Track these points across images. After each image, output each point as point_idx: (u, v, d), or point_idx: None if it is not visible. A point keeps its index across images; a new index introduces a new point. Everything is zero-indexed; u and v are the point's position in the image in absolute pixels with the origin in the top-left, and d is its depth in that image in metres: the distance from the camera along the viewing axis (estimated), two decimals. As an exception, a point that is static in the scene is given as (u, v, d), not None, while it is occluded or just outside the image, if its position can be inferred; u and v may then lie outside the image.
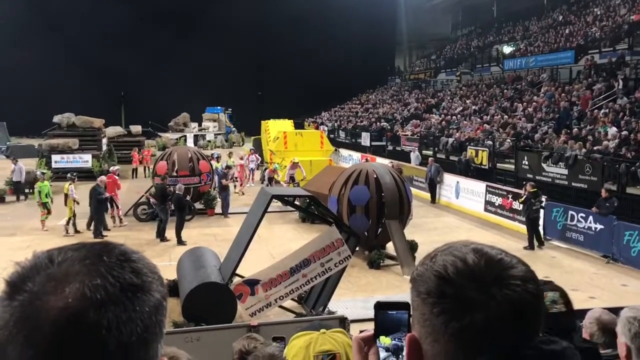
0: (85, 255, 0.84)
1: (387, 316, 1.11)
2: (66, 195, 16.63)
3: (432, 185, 22.35)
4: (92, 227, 16.56)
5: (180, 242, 15.47)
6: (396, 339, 1.09)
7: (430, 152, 28.68)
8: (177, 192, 16.37)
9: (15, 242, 15.56)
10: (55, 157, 26.85)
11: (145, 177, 26.76)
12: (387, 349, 1.09)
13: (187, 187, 18.68)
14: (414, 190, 18.74)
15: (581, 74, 27.68)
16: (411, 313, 1.03)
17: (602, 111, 21.63)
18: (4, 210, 20.36)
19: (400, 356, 1.07)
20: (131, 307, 0.81)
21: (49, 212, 16.92)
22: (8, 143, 41.51)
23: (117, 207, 17.77)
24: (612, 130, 19.37)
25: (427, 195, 22.81)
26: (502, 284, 0.93)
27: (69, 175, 18.05)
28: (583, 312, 3.82)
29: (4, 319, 0.79)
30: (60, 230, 16.76)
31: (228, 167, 21.01)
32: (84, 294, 0.79)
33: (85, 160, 27.03)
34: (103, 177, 17.39)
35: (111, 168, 20.22)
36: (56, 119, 30.00)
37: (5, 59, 50.07)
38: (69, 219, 16.66)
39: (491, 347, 0.90)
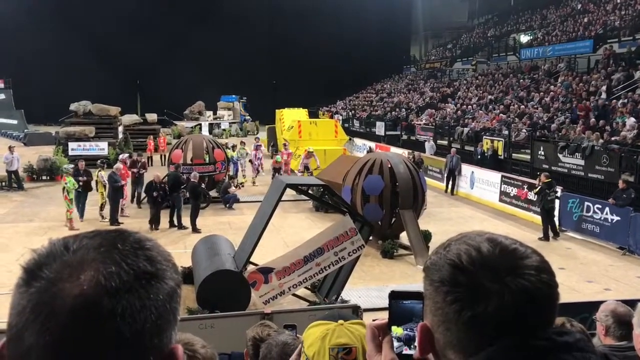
0: (100, 243, 0.85)
1: (401, 305, 1.11)
2: (97, 182, 16.81)
3: (452, 176, 21.81)
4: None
5: (195, 229, 15.58)
6: (408, 329, 1.09)
7: (445, 142, 28.55)
8: (191, 179, 16.46)
9: (33, 228, 15.78)
10: (72, 145, 27.09)
11: (161, 165, 26.92)
12: (399, 339, 1.10)
13: (202, 175, 18.74)
14: (428, 180, 18.66)
15: (599, 64, 27.29)
16: (424, 302, 1.03)
17: (621, 101, 21.34)
18: (21, 197, 20.61)
19: (412, 346, 1.08)
20: (145, 294, 0.82)
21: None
22: (26, 130, 42.00)
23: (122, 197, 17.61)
24: (631, 120, 19.11)
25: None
26: (516, 274, 0.93)
27: (98, 162, 18.38)
28: (597, 304, 3.80)
29: (21, 305, 0.80)
30: (76, 217, 16.94)
31: (230, 181, 20.86)
32: (98, 282, 0.80)
33: (101, 148, 27.24)
34: (119, 165, 17.48)
35: (120, 156, 20.23)
36: (73, 106, 30.24)
37: (23, 48, 50.53)
38: (102, 204, 16.86)
39: (503, 336, 0.91)
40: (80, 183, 16.49)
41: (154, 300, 0.83)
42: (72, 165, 17.87)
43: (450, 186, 21.95)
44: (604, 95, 22.78)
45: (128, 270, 0.82)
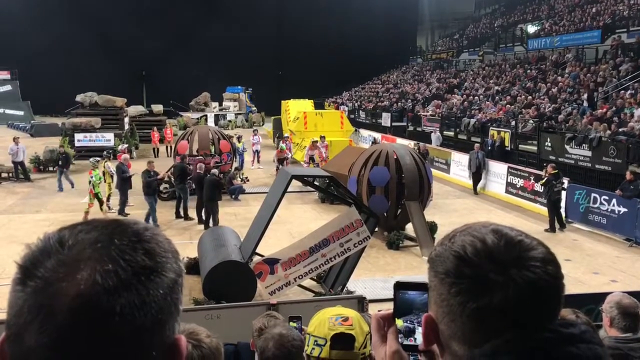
0: (96, 238, 0.83)
1: (406, 296, 1.11)
2: (104, 173, 16.85)
3: (478, 174, 20.11)
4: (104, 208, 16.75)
5: (201, 220, 15.60)
6: (408, 321, 1.09)
7: (451, 133, 28.47)
8: (197, 170, 16.45)
9: (40, 219, 15.86)
10: (78, 136, 27.17)
11: (167, 156, 26.96)
12: (399, 331, 1.10)
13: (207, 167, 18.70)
14: (434, 172, 18.62)
15: (607, 54, 27.08)
16: (428, 293, 1.03)
17: (629, 92, 21.19)
18: (28, 188, 20.70)
19: (411, 338, 1.08)
20: (144, 291, 0.80)
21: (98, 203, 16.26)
22: (32, 122, 42.15)
23: None
24: (639, 111, 18.99)
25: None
26: (521, 266, 0.92)
27: (104, 153, 18.43)
28: (603, 296, 3.79)
29: (18, 306, 0.79)
30: (82, 208, 17.02)
31: (235, 172, 20.71)
32: (95, 281, 0.78)
33: (107, 139, 27.30)
34: (127, 156, 17.51)
35: (119, 147, 20.25)
36: (79, 98, 30.30)
37: (29, 39, 50.57)
38: (109, 195, 16.93)
39: (509, 328, 0.90)
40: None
41: (154, 296, 0.81)
42: (98, 159, 17.72)
43: (475, 183, 20.27)
44: (585, 104, 22.53)
45: (126, 267, 0.80)
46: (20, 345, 0.78)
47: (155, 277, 0.82)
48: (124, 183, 16.31)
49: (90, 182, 16.07)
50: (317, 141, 22.36)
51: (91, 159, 17.32)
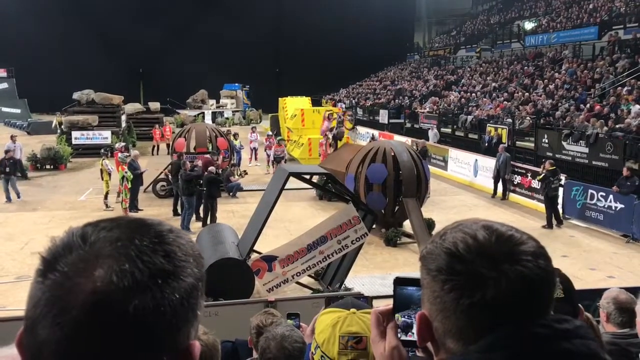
0: (117, 236, 0.82)
1: (405, 291, 1.12)
2: (102, 171, 16.85)
3: (499, 177, 18.64)
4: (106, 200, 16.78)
5: (199, 217, 15.60)
6: (406, 316, 1.10)
7: (448, 130, 28.49)
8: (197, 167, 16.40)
9: (37, 217, 15.83)
10: (75, 134, 27.13)
11: (167, 153, 26.92)
12: (398, 326, 1.10)
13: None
14: (431, 169, 18.62)
15: (604, 51, 27.11)
16: (421, 291, 1.03)
17: (626, 88, 21.22)
18: (25, 186, 20.64)
19: (409, 334, 1.09)
20: (159, 294, 0.79)
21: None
22: (29, 119, 42.05)
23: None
24: (636, 108, 19.01)
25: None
26: (513, 260, 0.93)
27: (102, 150, 18.44)
28: (600, 292, 3.80)
29: (37, 297, 0.80)
30: (80, 206, 17.00)
31: (232, 169, 20.63)
32: (111, 280, 0.78)
33: (104, 136, 27.28)
34: (137, 152, 17.51)
35: (116, 145, 20.23)
36: (76, 95, 30.23)
37: (26, 36, 50.45)
38: (106, 193, 16.92)
39: (502, 323, 0.90)
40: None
41: (169, 300, 0.80)
42: (127, 154, 17.61)
43: (501, 189, 18.72)
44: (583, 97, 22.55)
45: (143, 268, 0.79)
46: (35, 337, 0.79)
47: (173, 281, 0.81)
48: (135, 180, 16.30)
49: (124, 177, 16.06)
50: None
51: (120, 154, 17.34)
